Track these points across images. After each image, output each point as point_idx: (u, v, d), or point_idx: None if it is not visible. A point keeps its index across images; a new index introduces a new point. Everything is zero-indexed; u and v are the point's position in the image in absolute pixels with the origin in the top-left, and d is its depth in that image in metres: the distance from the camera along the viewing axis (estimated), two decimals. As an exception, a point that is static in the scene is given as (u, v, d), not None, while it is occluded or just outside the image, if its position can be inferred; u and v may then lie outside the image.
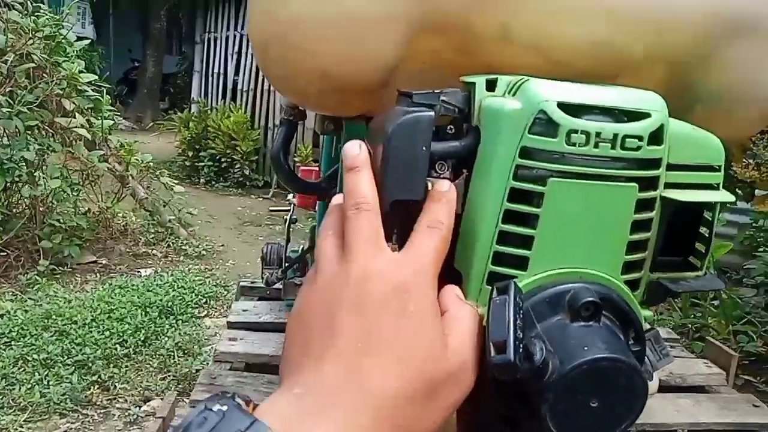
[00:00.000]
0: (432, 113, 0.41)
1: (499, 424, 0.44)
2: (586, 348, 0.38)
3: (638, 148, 0.40)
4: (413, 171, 0.40)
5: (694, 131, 0.45)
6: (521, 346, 0.35)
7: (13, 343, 2.05)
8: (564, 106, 0.39)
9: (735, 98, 0.51)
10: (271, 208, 4.76)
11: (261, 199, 4.88)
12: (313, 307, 0.34)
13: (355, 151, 0.40)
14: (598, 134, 0.39)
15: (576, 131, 0.39)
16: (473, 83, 0.43)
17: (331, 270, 0.35)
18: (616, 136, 0.39)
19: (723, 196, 0.45)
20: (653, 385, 0.50)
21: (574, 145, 0.39)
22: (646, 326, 0.48)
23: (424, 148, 0.40)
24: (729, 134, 0.55)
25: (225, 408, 0.27)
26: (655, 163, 0.41)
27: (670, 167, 0.43)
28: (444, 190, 0.40)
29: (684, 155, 0.44)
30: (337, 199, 0.40)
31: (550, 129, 0.39)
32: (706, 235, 0.47)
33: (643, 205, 0.42)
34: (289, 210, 0.79)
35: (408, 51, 0.47)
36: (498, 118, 0.40)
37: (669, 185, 0.44)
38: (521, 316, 0.36)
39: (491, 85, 0.43)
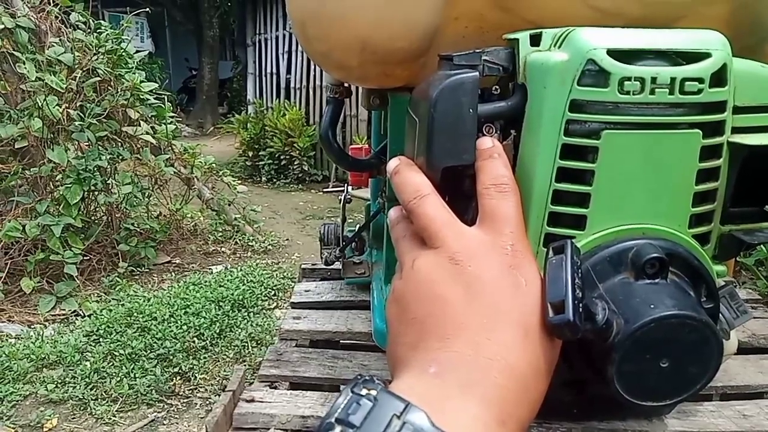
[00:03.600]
0: (476, 73, 0.40)
1: (561, 390, 0.43)
2: (652, 306, 0.36)
3: (699, 92, 0.37)
4: (462, 135, 0.39)
5: (763, 69, 0.42)
6: (581, 305, 0.33)
7: (101, 340, 2.19)
8: (614, 53, 0.37)
9: (810, 32, 0.47)
10: (325, 190, 4.87)
11: (321, 193, 4.97)
12: (417, 294, 0.34)
13: (394, 162, 0.40)
14: (653, 80, 0.37)
15: (629, 78, 0.37)
16: (516, 39, 0.41)
17: (427, 259, 0.35)
18: (673, 80, 0.37)
19: (800, 137, 0.41)
20: (731, 344, 0.47)
21: (627, 93, 0.37)
22: (721, 282, 0.45)
23: (470, 111, 0.39)
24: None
25: (374, 392, 0.26)
26: (719, 107, 0.39)
27: (738, 110, 0.40)
28: (488, 146, 0.38)
29: (752, 96, 0.41)
30: (393, 212, 0.40)
31: (601, 78, 0.37)
32: (784, 182, 0.43)
33: (708, 152, 0.39)
34: (343, 190, 0.80)
35: (448, 13, 0.46)
36: (544, 72, 0.39)
37: (737, 129, 0.41)
38: (579, 275, 0.35)
39: (536, 40, 0.41)
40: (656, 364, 0.37)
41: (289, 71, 5.73)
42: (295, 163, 5.19)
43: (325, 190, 4.95)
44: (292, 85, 5.68)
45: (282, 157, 5.22)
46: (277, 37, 5.87)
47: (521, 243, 0.35)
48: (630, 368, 0.36)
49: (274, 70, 5.92)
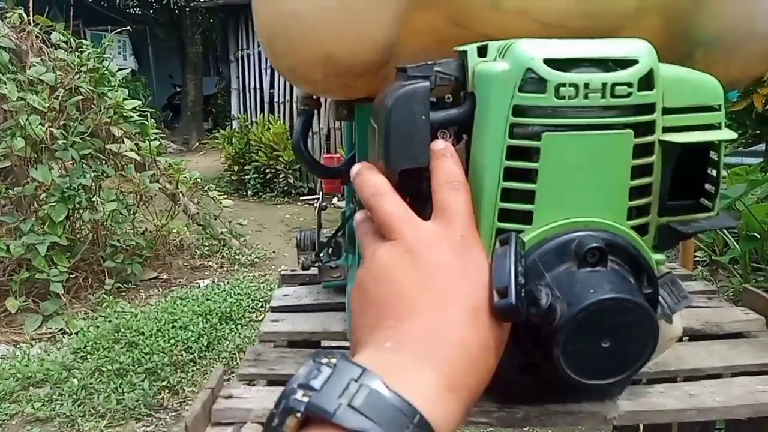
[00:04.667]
0: (427, 84, 0.43)
1: (518, 375, 0.46)
2: (592, 291, 0.39)
3: (629, 95, 0.41)
4: (415, 140, 0.43)
5: (689, 73, 0.46)
6: (523, 291, 0.37)
7: (88, 356, 2.19)
8: (550, 62, 0.41)
9: (735, 38, 0.51)
10: (303, 198, 4.90)
11: (307, 205, 4.99)
12: (375, 280, 0.37)
13: (356, 166, 0.44)
14: (586, 85, 0.41)
15: (564, 84, 0.41)
16: (465, 51, 0.45)
17: (385, 249, 0.38)
18: (605, 85, 0.41)
19: (725, 134, 0.45)
20: (675, 328, 0.50)
21: (564, 98, 0.41)
22: (663, 270, 0.49)
23: (423, 117, 0.43)
24: (734, 76, 0.55)
25: (334, 361, 0.28)
26: (648, 108, 0.42)
27: (668, 111, 0.44)
28: (440, 147, 0.42)
29: (680, 98, 0.45)
30: (358, 214, 0.44)
31: (540, 85, 0.41)
32: (714, 175, 0.47)
33: (641, 150, 0.43)
34: (318, 198, 0.83)
35: (406, 29, 0.50)
36: (488, 81, 0.42)
37: (668, 129, 0.44)
38: (522, 263, 0.38)
39: (482, 51, 0.45)
40: (598, 344, 0.40)
41: (272, 86, 5.77)
42: (281, 176, 5.22)
43: (302, 198, 4.99)
44: (275, 99, 5.72)
45: (267, 171, 5.24)
46: (259, 53, 5.90)
47: (470, 233, 0.38)
48: (574, 349, 0.40)
49: (258, 85, 5.96)
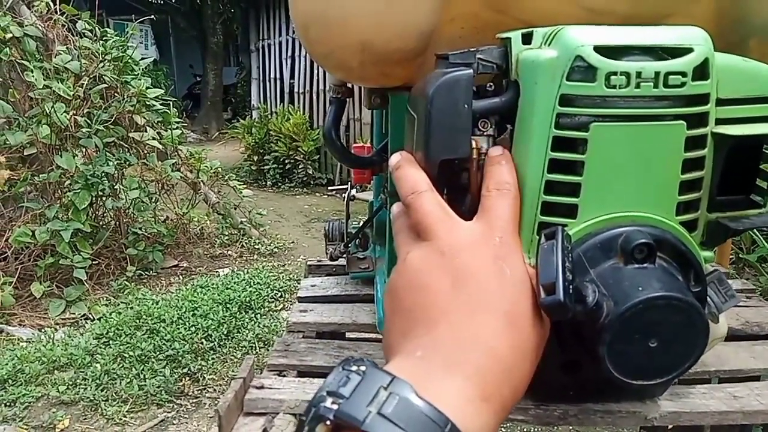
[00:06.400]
0: (470, 71, 0.42)
1: (557, 373, 0.45)
2: (641, 288, 0.38)
3: (683, 85, 0.39)
4: (457, 130, 0.42)
5: (744, 62, 0.43)
6: (571, 287, 0.35)
7: (111, 342, 2.22)
8: (601, 50, 0.39)
9: (792, 27, 0.49)
10: (331, 188, 4.94)
11: (326, 196, 5.00)
12: (409, 285, 0.36)
13: (396, 157, 0.43)
14: (638, 74, 0.39)
15: (615, 73, 0.39)
16: (509, 38, 0.43)
17: (418, 252, 0.37)
18: (657, 74, 0.39)
19: (781, 127, 0.43)
20: (720, 328, 0.48)
21: (614, 87, 0.39)
22: (709, 268, 0.47)
23: (465, 106, 0.41)
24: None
25: (364, 368, 0.28)
26: (702, 99, 0.40)
27: (721, 102, 0.42)
28: (498, 153, 0.41)
29: (735, 88, 0.43)
30: (395, 206, 0.42)
31: (589, 74, 0.39)
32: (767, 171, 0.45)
33: (693, 143, 0.41)
34: (347, 188, 0.83)
35: (445, 15, 0.48)
36: (534, 69, 0.41)
37: (721, 121, 0.42)
38: (570, 259, 0.37)
39: (527, 38, 0.43)
40: (645, 344, 0.38)
41: (292, 76, 5.77)
42: (300, 166, 5.23)
43: (330, 188, 5.02)
44: (295, 89, 5.72)
45: (286, 161, 5.26)
46: (280, 43, 5.91)
47: (510, 236, 0.37)
48: (620, 348, 0.38)
49: (278, 76, 5.96)
